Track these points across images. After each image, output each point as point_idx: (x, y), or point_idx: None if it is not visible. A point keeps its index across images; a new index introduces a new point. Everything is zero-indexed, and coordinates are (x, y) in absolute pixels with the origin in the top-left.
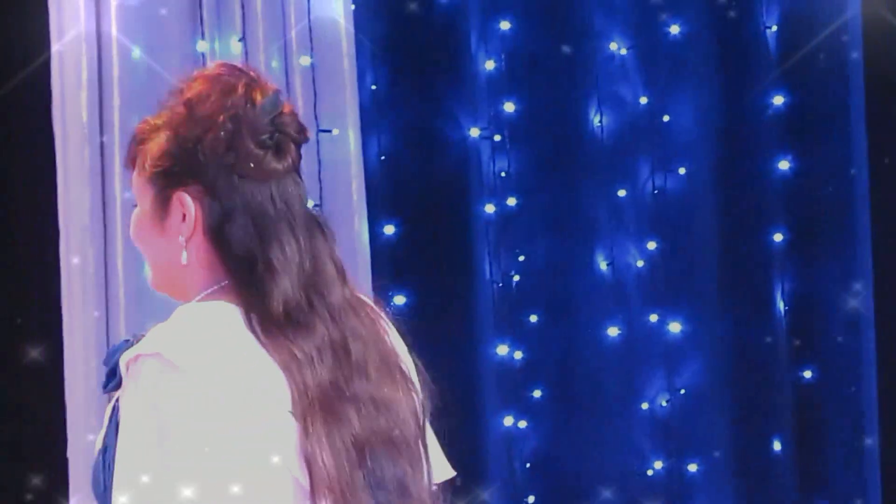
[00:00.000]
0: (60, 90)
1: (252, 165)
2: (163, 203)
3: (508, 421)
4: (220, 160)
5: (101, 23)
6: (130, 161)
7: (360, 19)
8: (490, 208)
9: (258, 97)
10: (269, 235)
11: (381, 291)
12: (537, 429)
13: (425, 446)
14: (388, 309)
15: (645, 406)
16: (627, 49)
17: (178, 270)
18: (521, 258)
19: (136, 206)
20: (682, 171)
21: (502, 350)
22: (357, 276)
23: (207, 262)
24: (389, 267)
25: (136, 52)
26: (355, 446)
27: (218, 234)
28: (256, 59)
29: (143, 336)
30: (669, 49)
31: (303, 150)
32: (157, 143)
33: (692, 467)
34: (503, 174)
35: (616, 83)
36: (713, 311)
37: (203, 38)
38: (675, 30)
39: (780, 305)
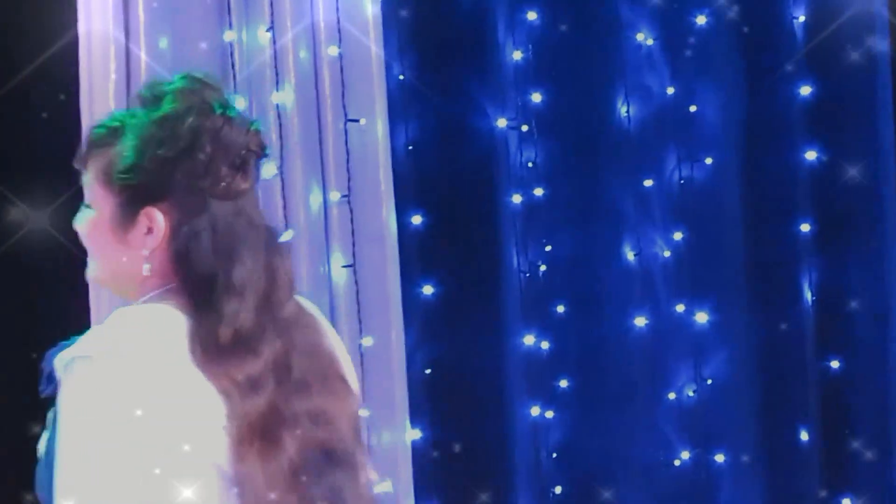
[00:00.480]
0: (88, 80)
1: (223, 185)
2: (129, 215)
3: (535, 411)
4: (196, 181)
5: (129, 12)
6: (84, 163)
7: (388, 9)
8: (517, 198)
9: (233, 116)
10: (233, 255)
11: (409, 281)
12: (564, 419)
13: (363, 453)
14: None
15: (672, 396)
16: (654, 39)
17: (131, 276)
18: (548, 248)
19: (86, 205)
20: (708, 161)
21: (529, 340)
22: (385, 267)
23: (163, 270)
24: (417, 257)
25: (164, 42)
26: (290, 469)
27: (184, 251)
28: (284, 49)
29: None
30: (696, 39)
31: (332, 140)
32: (122, 154)
33: (719, 458)
34: (530, 164)
35: (643, 73)
36: (740, 301)
37: (231, 28)
38: (701, 20)
39: (808, 296)
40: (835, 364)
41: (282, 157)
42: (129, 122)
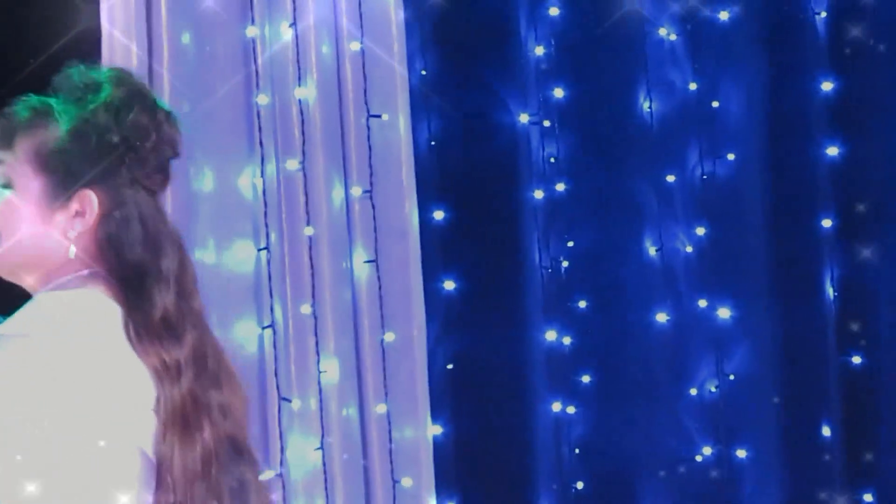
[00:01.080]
0: None
1: (152, 178)
2: (59, 196)
3: (557, 406)
4: (131, 171)
5: (152, 7)
6: (9, 143)
7: (410, 4)
8: (539, 194)
9: (170, 113)
10: (158, 246)
11: (431, 277)
12: (586, 414)
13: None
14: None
15: (693, 392)
16: (677, 35)
17: (47, 258)
18: (570, 244)
19: (2, 185)
20: (730, 156)
21: (551, 335)
22: (407, 262)
23: (85, 255)
24: (439, 252)
25: (186, 37)
26: (204, 458)
27: (115, 238)
28: (307, 44)
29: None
30: (719, 35)
31: (354, 136)
32: (59, 136)
33: (741, 453)
34: (552, 160)
35: (665, 69)
36: (762, 296)
37: (253, 23)
38: (724, 16)
39: (829, 291)
40: (856, 359)
41: (304, 153)
42: (61, 105)
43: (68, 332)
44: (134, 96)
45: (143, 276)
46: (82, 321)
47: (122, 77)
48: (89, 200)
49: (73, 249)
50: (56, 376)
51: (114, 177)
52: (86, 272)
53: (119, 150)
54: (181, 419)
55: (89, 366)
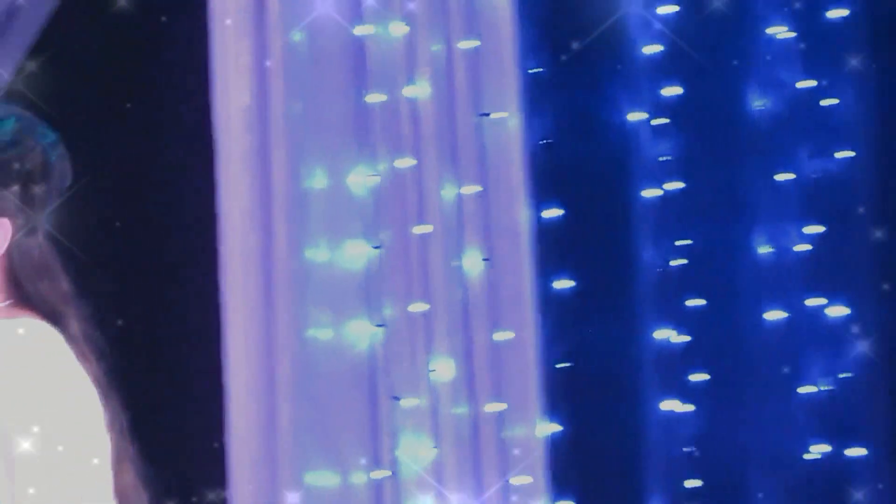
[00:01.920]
0: (223, 77)
1: (49, 209)
2: None
3: (669, 405)
4: (37, 201)
5: (264, 6)
6: None
7: (523, 2)
8: (651, 192)
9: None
10: (58, 272)
11: (543, 276)
12: (698, 413)
13: None
14: None
15: (807, 390)
16: (788, 32)
17: None
18: (683, 242)
19: None
20: (843, 154)
21: (663, 334)
22: (518, 261)
23: None
24: (551, 251)
25: (298, 37)
26: (136, 482)
27: (21, 268)
28: (417, 42)
29: None
30: (832, 32)
31: (466, 134)
32: None
33: (853, 452)
34: (664, 158)
35: (777, 67)
36: (876, 295)
37: (364, 22)
38: (837, 13)
39: None
40: None
41: (415, 151)
42: None
43: (42, 357)
44: (33, 129)
45: (52, 301)
46: (47, 345)
47: (17, 110)
48: (5, 229)
49: None
50: (47, 401)
51: (25, 211)
52: (4, 303)
53: (23, 181)
54: (125, 445)
55: (73, 387)
